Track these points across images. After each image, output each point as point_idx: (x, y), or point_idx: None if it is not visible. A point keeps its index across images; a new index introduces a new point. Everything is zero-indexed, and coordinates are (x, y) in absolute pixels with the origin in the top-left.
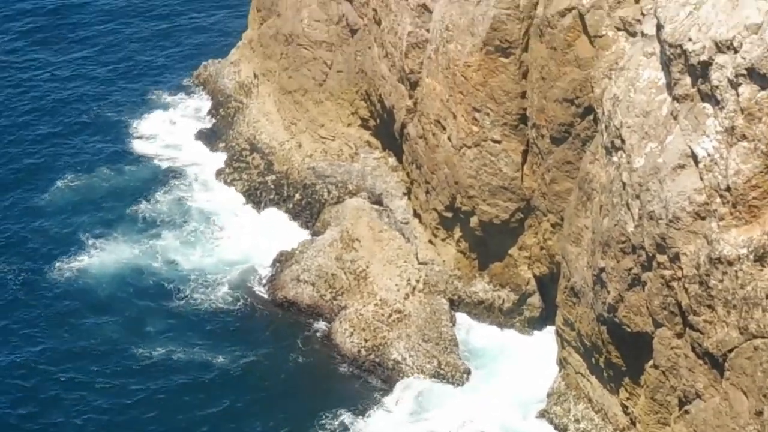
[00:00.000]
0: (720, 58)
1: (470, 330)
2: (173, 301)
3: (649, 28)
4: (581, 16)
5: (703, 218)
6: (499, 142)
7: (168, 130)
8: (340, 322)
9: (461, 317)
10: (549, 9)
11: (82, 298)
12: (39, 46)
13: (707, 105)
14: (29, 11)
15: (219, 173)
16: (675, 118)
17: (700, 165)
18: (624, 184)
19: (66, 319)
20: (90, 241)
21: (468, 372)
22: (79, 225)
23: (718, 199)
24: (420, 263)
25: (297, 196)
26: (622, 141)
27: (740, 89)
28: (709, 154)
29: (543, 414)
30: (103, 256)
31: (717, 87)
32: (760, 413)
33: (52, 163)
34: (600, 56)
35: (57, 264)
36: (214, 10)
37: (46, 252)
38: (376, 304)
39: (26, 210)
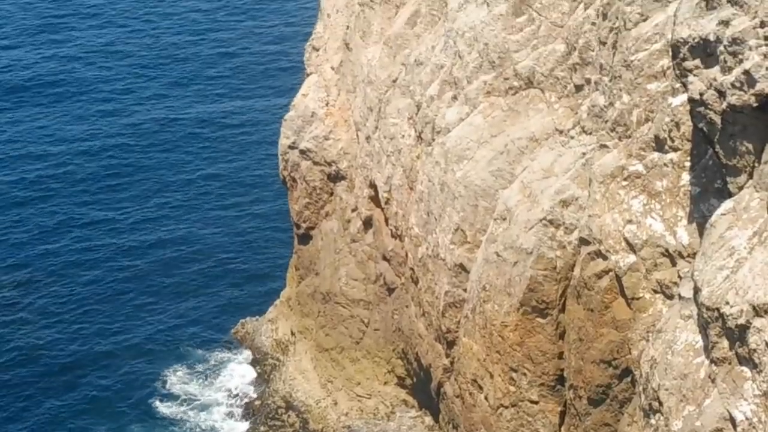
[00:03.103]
0: (757, 322)
1: None
2: None
3: (687, 291)
4: (618, 278)
5: None
6: (536, 402)
7: (201, 387)
8: None
9: None
10: (586, 271)
11: None
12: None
13: (745, 368)
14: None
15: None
16: (713, 381)
17: (738, 428)
18: None
19: None
20: None
21: None
22: None
23: None
24: None
25: None
26: (660, 403)
27: None
28: (747, 418)
29: None
30: None
31: (755, 350)
32: None
33: (79, 416)
34: (637, 318)
35: None
36: (253, 264)
37: None
38: None
39: None
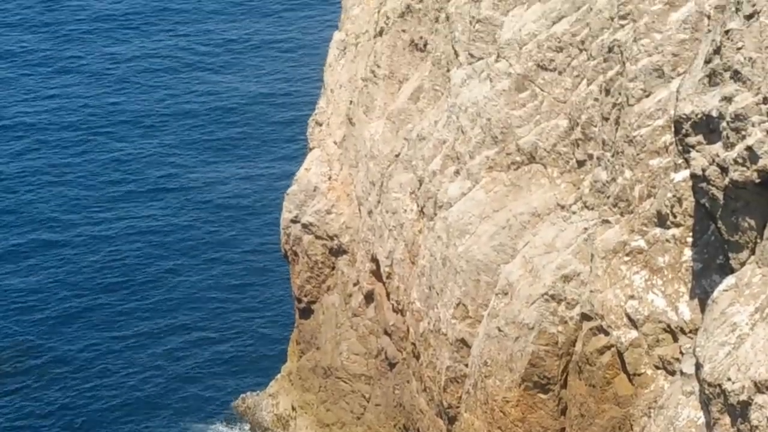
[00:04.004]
0: (759, 398)
1: None
2: None
3: (688, 367)
4: (620, 354)
5: None
6: None
7: None
8: None
9: None
10: (587, 346)
11: None
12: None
13: None
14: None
15: None
16: None
17: None
18: None
19: None
20: None
21: None
22: None
23: None
24: None
25: None
26: None
27: None
28: None
29: None
30: None
31: (756, 427)
32: None
33: None
34: (639, 394)
35: None
36: (254, 338)
37: None
38: None
39: None
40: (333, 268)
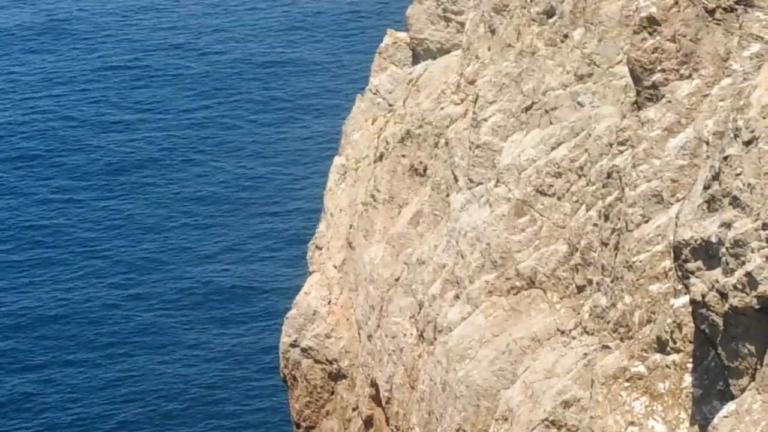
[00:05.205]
0: None
1: None
2: None
3: None
4: None
5: None
6: None
7: None
8: None
9: None
10: None
11: None
12: None
13: None
14: None
15: None
16: None
17: None
18: None
19: None
20: None
21: None
22: None
23: None
24: None
25: None
26: None
27: None
28: None
29: None
30: None
31: None
32: None
33: None
34: None
35: None
36: None
37: None
38: None
39: None
40: (332, 393)
